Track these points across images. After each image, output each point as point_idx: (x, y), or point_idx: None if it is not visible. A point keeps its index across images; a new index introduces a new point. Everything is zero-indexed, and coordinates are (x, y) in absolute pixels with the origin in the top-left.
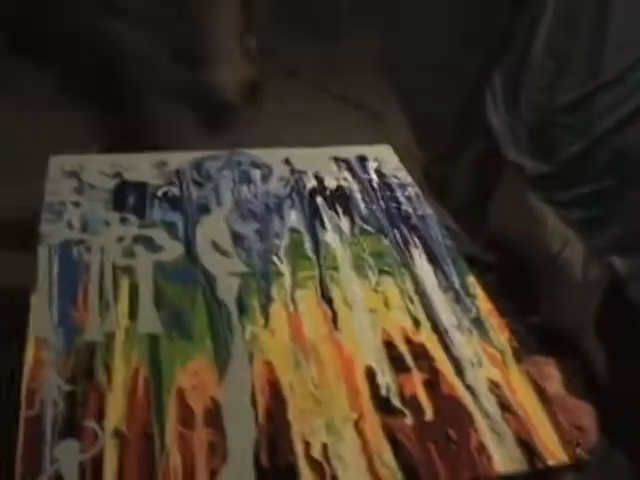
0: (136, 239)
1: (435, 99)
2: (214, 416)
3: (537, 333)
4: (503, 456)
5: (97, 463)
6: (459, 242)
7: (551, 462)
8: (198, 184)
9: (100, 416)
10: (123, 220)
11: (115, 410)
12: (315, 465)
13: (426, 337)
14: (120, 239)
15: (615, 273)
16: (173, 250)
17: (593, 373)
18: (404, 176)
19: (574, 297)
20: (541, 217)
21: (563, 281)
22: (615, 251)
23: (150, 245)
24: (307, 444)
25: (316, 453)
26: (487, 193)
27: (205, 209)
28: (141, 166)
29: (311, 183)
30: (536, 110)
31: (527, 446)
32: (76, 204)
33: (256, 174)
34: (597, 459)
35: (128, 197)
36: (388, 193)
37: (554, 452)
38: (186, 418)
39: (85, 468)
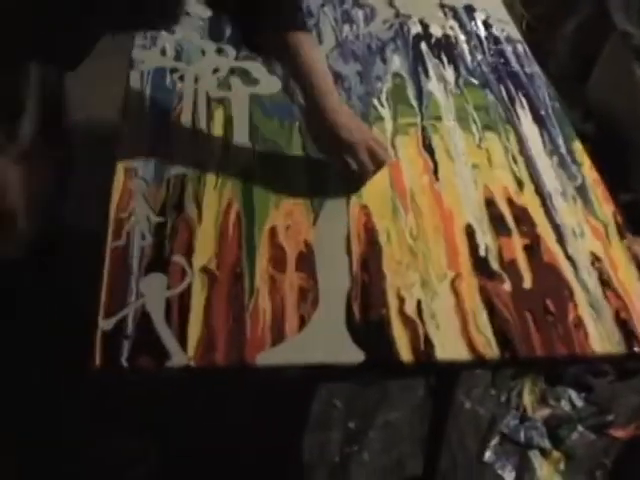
0: (232, 71)
1: None
2: (307, 260)
3: (628, 210)
4: (601, 335)
5: (184, 300)
6: None
7: None
8: None
9: (189, 252)
10: (219, 51)
11: (205, 246)
12: (408, 322)
13: (529, 200)
14: (216, 70)
15: None
16: (270, 84)
17: None
18: (512, 31)
19: None
20: None
21: None
22: None
23: (247, 78)
24: (401, 299)
25: (410, 309)
26: (590, 60)
27: None
28: None
29: (416, 28)
30: None
31: (626, 327)
32: (171, 31)
33: (359, 14)
34: None
35: (225, 27)
36: (495, 47)
37: None
38: (278, 260)
39: (171, 304)
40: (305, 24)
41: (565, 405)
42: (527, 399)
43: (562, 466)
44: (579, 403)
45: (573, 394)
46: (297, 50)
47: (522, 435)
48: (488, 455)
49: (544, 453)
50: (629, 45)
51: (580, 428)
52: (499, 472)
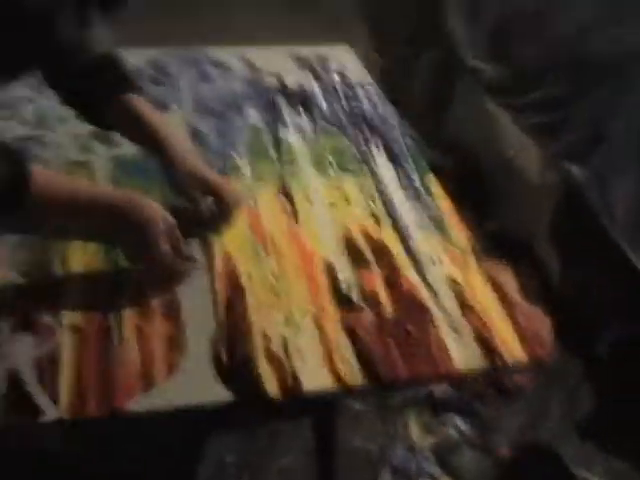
0: (94, 135)
1: (393, 2)
2: (172, 308)
3: (493, 239)
4: (463, 353)
5: (53, 357)
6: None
7: (511, 360)
8: (156, 81)
9: (56, 309)
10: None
11: (71, 303)
12: (274, 358)
13: (386, 234)
14: (77, 135)
15: (571, 179)
16: (131, 145)
17: (547, 279)
18: (364, 75)
19: (529, 203)
20: (497, 121)
21: (518, 187)
22: (570, 157)
23: (108, 141)
24: (266, 337)
25: (275, 347)
26: (444, 97)
27: (163, 106)
28: None
29: (271, 82)
30: (495, 15)
31: (487, 344)
32: (31, 100)
33: (214, 72)
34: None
35: None
36: (349, 92)
37: (514, 351)
38: (144, 310)
39: (41, 363)
40: (133, 86)
41: (451, 431)
42: (414, 429)
43: None
44: (465, 428)
45: (458, 420)
46: (135, 111)
47: (412, 465)
48: None
49: None
50: (479, 80)
51: (468, 451)
52: None
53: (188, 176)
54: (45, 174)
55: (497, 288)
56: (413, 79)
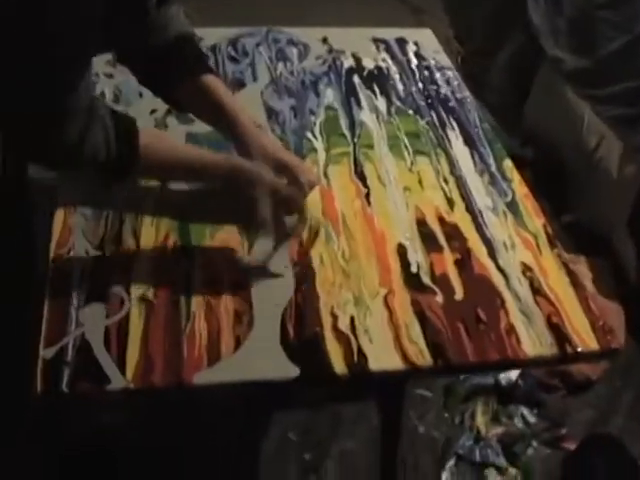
0: (169, 111)
1: None
2: (241, 285)
3: (570, 231)
4: (533, 339)
5: (122, 327)
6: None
7: (581, 348)
8: (234, 59)
9: (127, 282)
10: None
11: (142, 276)
12: (341, 337)
13: (460, 218)
14: (153, 111)
15: None
16: None
17: (623, 272)
18: (444, 59)
19: (608, 195)
20: (578, 113)
21: (598, 179)
22: None
23: (183, 117)
24: (335, 316)
25: (343, 326)
26: (525, 88)
27: (240, 84)
28: None
29: (348, 62)
30: (578, 5)
31: (558, 330)
32: (109, 76)
33: (293, 52)
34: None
35: None
36: (427, 75)
37: (585, 338)
38: (213, 286)
39: (110, 332)
40: (207, 67)
41: (518, 422)
42: (480, 419)
43: None
44: (532, 419)
45: (525, 411)
46: (209, 92)
47: (477, 454)
48: (445, 477)
49: (500, 470)
50: (560, 70)
51: (534, 443)
52: None
53: (262, 156)
54: (155, 142)
55: (571, 275)
56: (493, 68)
